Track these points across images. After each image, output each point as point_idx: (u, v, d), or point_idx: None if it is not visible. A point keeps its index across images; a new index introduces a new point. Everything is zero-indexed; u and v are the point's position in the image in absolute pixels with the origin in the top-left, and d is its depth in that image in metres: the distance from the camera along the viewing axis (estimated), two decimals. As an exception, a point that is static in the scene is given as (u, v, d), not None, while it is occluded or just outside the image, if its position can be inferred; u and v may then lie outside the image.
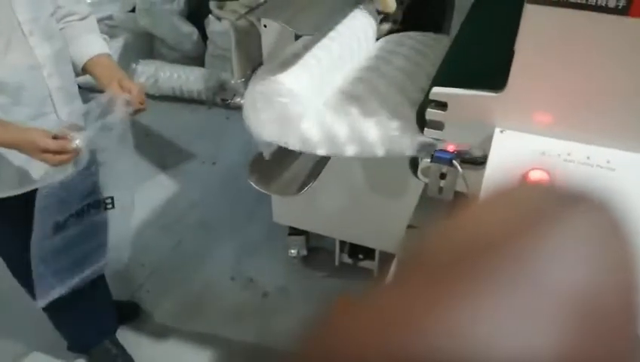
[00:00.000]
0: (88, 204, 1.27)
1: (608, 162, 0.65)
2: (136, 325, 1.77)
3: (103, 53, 1.24)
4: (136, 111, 1.15)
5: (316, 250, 1.95)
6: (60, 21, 1.20)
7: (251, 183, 1.01)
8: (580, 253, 0.17)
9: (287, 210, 1.75)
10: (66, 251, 1.29)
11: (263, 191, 0.97)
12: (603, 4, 0.59)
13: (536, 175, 0.64)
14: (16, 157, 1.11)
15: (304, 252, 1.89)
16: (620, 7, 0.59)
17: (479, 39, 0.89)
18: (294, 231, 1.85)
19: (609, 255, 0.17)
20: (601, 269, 0.17)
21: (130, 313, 1.80)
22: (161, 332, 1.77)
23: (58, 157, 1.02)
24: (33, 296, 1.38)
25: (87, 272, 1.38)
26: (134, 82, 1.19)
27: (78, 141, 1.04)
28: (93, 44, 1.25)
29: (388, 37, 1.18)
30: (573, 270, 0.16)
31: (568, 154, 0.67)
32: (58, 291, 1.34)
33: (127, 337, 1.71)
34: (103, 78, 1.20)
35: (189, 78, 2.89)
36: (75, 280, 1.36)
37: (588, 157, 0.66)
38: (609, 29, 0.60)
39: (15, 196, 1.16)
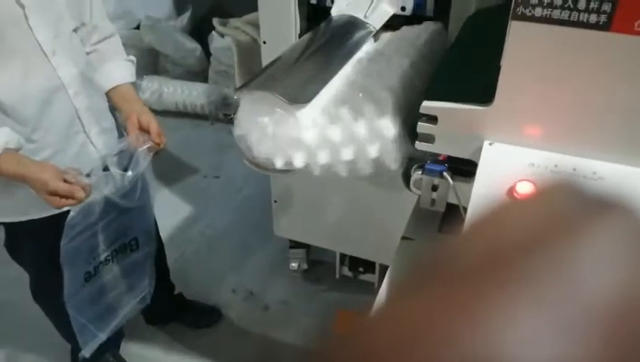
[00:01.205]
0: (115, 250, 1.29)
1: (594, 173, 0.67)
2: (137, 337, 1.77)
3: (123, 83, 1.24)
4: (157, 153, 1.17)
5: (317, 263, 1.96)
6: (86, 43, 1.19)
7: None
8: (616, 259, 0.16)
9: (288, 223, 1.77)
10: (100, 297, 1.32)
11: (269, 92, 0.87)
12: (585, 20, 0.61)
13: (523, 186, 0.65)
14: None
15: (305, 265, 1.90)
16: (601, 23, 0.60)
17: (469, 55, 0.91)
18: (295, 245, 1.86)
19: None
20: (638, 277, 0.16)
21: (211, 317, 1.83)
22: (161, 345, 1.78)
23: (63, 202, 1.02)
24: (74, 342, 1.44)
25: (127, 309, 1.40)
26: (152, 117, 1.19)
27: (86, 190, 1.04)
28: (115, 73, 1.24)
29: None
30: (610, 277, 0.16)
31: (555, 166, 0.68)
32: (101, 337, 1.37)
33: (128, 349, 1.72)
34: (122, 110, 1.21)
35: (192, 93, 2.93)
36: (116, 321, 1.39)
37: (574, 169, 0.68)
38: (591, 45, 0.62)
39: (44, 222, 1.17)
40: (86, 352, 1.37)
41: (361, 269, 1.84)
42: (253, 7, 1.42)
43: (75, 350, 1.64)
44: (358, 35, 1.11)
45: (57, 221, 1.14)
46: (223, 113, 2.87)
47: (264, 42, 1.41)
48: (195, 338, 1.78)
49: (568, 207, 0.18)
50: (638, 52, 0.61)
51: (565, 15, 0.61)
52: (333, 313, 1.77)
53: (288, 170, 0.86)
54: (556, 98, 0.67)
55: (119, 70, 1.25)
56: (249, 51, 2.30)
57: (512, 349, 0.15)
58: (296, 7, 1.33)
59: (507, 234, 0.18)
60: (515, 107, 0.69)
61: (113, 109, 1.28)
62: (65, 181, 1.01)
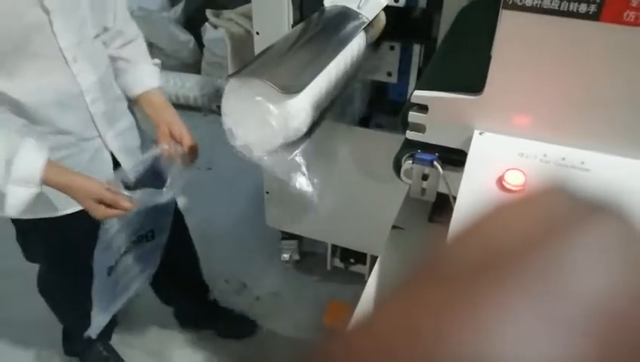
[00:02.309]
0: (133, 241, 1.31)
1: (583, 163, 0.67)
2: (128, 326, 1.78)
3: (151, 88, 1.22)
4: (190, 163, 1.18)
5: (309, 254, 1.97)
6: (109, 46, 1.18)
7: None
8: (608, 261, 0.17)
9: (280, 214, 1.77)
10: (116, 286, 1.35)
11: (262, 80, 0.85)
12: (575, 10, 0.61)
13: (512, 175, 0.66)
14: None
15: (297, 256, 1.91)
16: (591, 13, 0.61)
17: (461, 46, 0.92)
18: (287, 236, 1.87)
19: (636, 264, 0.17)
20: (630, 278, 0.16)
21: (246, 329, 1.79)
22: (154, 335, 1.78)
23: (108, 212, 1.01)
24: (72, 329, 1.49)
25: (132, 292, 1.43)
26: (184, 127, 1.18)
27: (131, 200, 1.03)
28: (142, 80, 1.22)
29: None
30: (601, 278, 0.16)
31: (544, 156, 0.69)
32: (107, 318, 1.41)
33: (117, 337, 1.72)
34: (151, 118, 1.19)
35: (185, 85, 2.92)
36: (122, 302, 1.42)
37: (563, 159, 0.68)
38: (581, 34, 0.62)
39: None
40: (93, 333, 1.38)
41: (352, 260, 1.84)
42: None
43: (68, 335, 1.65)
44: (351, 25, 1.11)
45: (64, 222, 1.16)
46: (216, 105, 2.87)
47: (257, 33, 1.41)
48: (184, 328, 1.78)
49: (560, 209, 0.18)
50: (626, 42, 0.61)
51: (555, 4, 0.62)
52: (325, 304, 1.78)
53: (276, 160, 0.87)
54: (546, 88, 0.67)
55: (146, 76, 1.23)
56: (242, 43, 2.29)
57: (506, 349, 0.15)
58: (289, -2, 1.33)
59: (501, 236, 0.18)
60: (505, 97, 0.69)
61: (133, 106, 1.28)
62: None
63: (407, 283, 0.19)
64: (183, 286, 1.68)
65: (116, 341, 1.72)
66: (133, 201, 1.04)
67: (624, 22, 0.60)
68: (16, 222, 1.22)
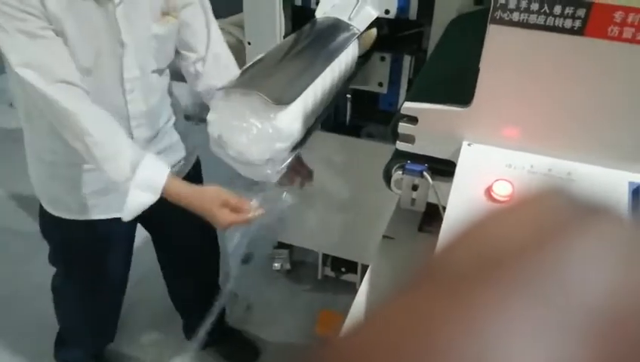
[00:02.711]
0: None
1: (569, 174, 0.69)
2: (127, 336, 1.77)
3: None
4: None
5: (300, 263, 1.97)
6: (205, 75, 1.19)
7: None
8: (607, 262, 0.16)
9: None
10: None
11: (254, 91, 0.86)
12: (560, 25, 0.63)
13: (500, 186, 0.67)
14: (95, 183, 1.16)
15: (288, 265, 1.91)
16: (575, 28, 0.62)
17: (451, 58, 0.93)
18: (278, 245, 1.87)
19: (635, 265, 0.17)
20: (629, 280, 0.16)
21: (249, 354, 1.76)
22: (144, 345, 1.77)
23: (236, 218, 1.00)
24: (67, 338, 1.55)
25: None
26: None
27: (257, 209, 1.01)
28: None
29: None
30: (601, 281, 0.16)
31: (531, 166, 0.70)
32: None
33: (115, 346, 1.71)
34: None
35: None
36: None
37: (550, 170, 0.70)
38: (567, 49, 0.64)
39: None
40: None
41: (343, 269, 1.85)
42: (239, 8, 1.43)
43: (62, 341, 1.65)
44: (342, 36, 1.13)
45: (94, 227, 1.21)
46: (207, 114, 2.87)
47: (249, 43, 1.42)
48: (177, 338, 1.77)
49: (557, 212, 0.18)
50: (610, 56, 0.63)
51: (541, 20, 0.63)
52: (316, 313, 1.78)
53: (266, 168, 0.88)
54: (533, 100, 0.69)
55: None
56: (234, 52, 2.30)
57: (504, 354, 0.15)
58: (281, 9, 1.35)
59: (498, 240, 0.18)
60: (493, 109, 0.71)
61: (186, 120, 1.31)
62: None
63: (403, 290, 0.19)
64: (204, 299, 1.68)
65: (114, 348, 1.70)
66: (258, 208, 1.02)
67: (608, 37, 0.62)
68: (53, 223, 1.24)
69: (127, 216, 0.98)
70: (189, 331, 1.76)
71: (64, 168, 1.15)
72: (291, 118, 0.90)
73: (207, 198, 0.99)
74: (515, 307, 0.16)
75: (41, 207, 1.26)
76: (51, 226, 1.28)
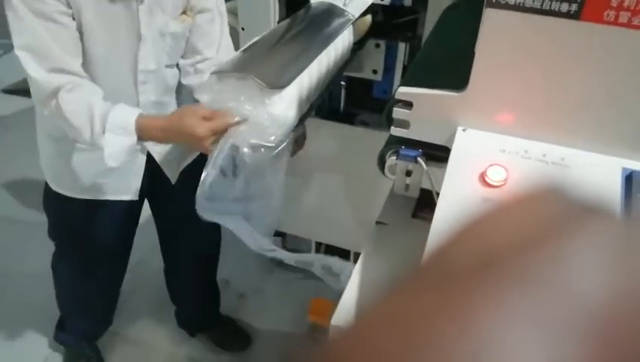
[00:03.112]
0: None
1: (563, 159, 0.69)
2: (123, 319, 1.76)
3: None
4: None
5: (293, 251, 1.96)
6: (195, 64, 1.19)
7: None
8: (605, 262, 0.16)
9: (264, 211, 1.77)
10: None
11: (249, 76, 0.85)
12: (556, 9, 0.62)
13: (494, 171, 0.67)
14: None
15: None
16: (572, 12, 0.62)
17: (446, 44, 0.92)
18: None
19: (634, 264, 0.17)
20: (628, 279, 0.16)
21: (241, 342, 1.76)
22: (137, 334, 1.77)
23: (218, 123, 0.91)
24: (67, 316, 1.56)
25: None
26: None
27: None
28: None
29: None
30: (600, 280, 0.16)
31: (526, 152, 0.70)
32: None
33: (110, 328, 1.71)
34: None
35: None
36: None
37: (544, 155, 0.69)
38: (563, 33, 0.63)
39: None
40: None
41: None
42: (233, -5, 1.42)
43: (62, 323, 1.66)
44: (337, 22, 1.12)
45: (97, 207, 1.22)
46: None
47: (242, 29, 1.41)
48: (170, 326, 1.77)
49: (555, 210, 0.18)
50: (606, 41, 0.62)
51: (538, 3, 0.63)
52: (309, 301, 1.78)
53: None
54: (527, 85, 0.68)
55: None
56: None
57: (503, 351, 0.15)
58: (276, -6, 1.33)
59: (497, 238, 0.18)
60: (488, 94, 0.70)
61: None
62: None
63: (397, 287, 0.19)
64: (198, 286, 1.68)
65: (109, 331, 1.71)
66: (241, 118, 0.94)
67: (604, 21, 0.61)
68: (55, 199, 1.25)
69: (109, 162, 0.98)
70: (182, 317, 1.76)
71: (70, 146, 1.15)
72: (286, 105, 0.89)
73: (185, 114, 0.95)
74: (512, 307, 0.15)
75: (46, 184, 1.27)
76: (52, 202, 1.29)
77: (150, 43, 1.06)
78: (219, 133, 0.90)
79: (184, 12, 1.11)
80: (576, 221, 0.18)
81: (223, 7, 1.19)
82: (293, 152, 1.20)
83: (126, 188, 1.23)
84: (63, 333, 1.66)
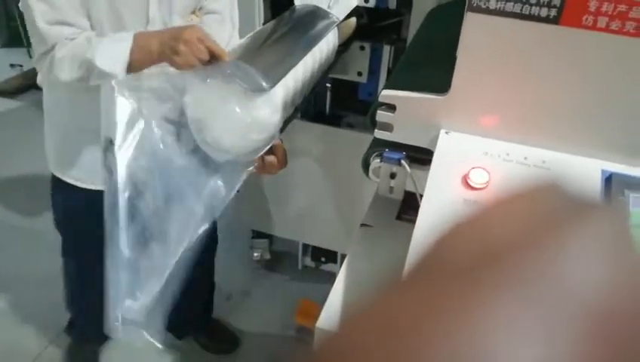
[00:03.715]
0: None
1: (544, 162, 0.69)
2: None
3: None
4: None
5: (280, 253, 1.97)
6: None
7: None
8: (605, 258, 0.16)
9: (250, 213, 1.77)
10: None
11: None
12: (536, 14, 0.63)
13: (476, 174, 0.67)
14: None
15: (267, 255, 1.91)
16: (551, 17, 0.63)
17: (429, 47, 0.93)
18: (258, 235, 1.86)
19: (633, 263, 0.17)
20: (628, 276, 0.16)
21: (229, 345, 1.75)
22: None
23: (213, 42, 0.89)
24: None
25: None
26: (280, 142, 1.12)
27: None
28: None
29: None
30: (600, 277, 0.16)
31: (507, 155, 0.71)
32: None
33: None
34: None
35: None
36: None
37: (525, 158, 0.70)
38: (542, 37, 0.64)
39: None
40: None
41: (323, 259, 1.85)
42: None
43: (72, 323, 1.64)
44: (321, 24, 1.12)
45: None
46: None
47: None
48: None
49: (554, 207, 0.18)
50: (585, 45, 0.63)
51: (518, 8, 0.63)
52: (296, 303, 1.78)
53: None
54: (509, 89, 0.69)
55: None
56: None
57: (499, 347, 0.15)
58: (260, -4, 1.33)
59: (494, 234, 0.18)
60: (470, 97, 0.71)
61: None
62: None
63: (392, 285, 0.19)
64: (191, 292, 1.66)
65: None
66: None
67: (583, 25, 0.62)
68: (62, 188, 1.24)
69: (99, 60, 0.93)
70: (172, 322, 1.74)
71: (76, 131, 1.14)
72: (271, 110, 0.89)
73: (184, 26, 0.95)
74: (509, 304, 0.15)
75: (52, 175, 1.26)
76: (58, 191, 1.28)
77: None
78: (202, 51, 0.87)
79: (193, 12, 1.10)
80: (575, 217, 0.18)
81: (236, 18, 1.18)
82: (276, 170, 1.10)
83: None
84: (73, 331, 1.65)
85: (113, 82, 0.83)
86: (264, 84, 0.85)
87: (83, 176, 1.20)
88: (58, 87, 1.09)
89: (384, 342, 0.16)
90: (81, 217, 1.30)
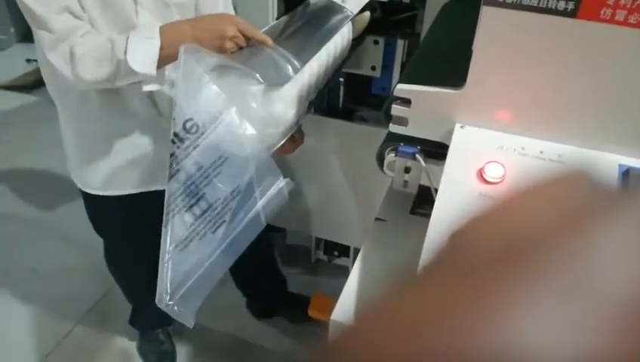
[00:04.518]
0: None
1: (559, 156, 0.69)
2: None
3: None
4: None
5: (293, 247, 1.98)
6: None
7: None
8: (633, 252, 0.16)
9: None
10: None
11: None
12: (553, 7, 0.63)
13: (491, 168, 0.67)
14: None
15: (280, 249, 1.91)
16: (569, 10, 0.62)
17: (444, 41, 0.93)
18: (271, 229, 1.87)
19: None
20: None
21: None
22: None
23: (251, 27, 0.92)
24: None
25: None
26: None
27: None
28: None
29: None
30: (627, 270, 0.15)
31: (523, 149, 0.70)
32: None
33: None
34: None
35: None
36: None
37: (541, 152, 0.70)
38: (560, 30, 0.64)
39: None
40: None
41: (336, 253, 1.86)
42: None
43: (136, 311, 1.68)
44: (335, 19, 1.12)
45: (132, 199, 1.20)
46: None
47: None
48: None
49: (583, 197, 0.18)
50: (603, 39, 0.63)
51: (535, 1, 0.63)
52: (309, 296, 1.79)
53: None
54: (525, 83, 0.69)
55: None
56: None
57: (526, 339, 0.14)
58: (274, -10, 1.33)
59: (521, 224, 0.18)
60: (486, 91, 0.71)
61: None
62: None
63: (417, 276, 0.18)
64: (263, 273, 1.69)
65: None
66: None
67: (601, 19, 0.62)
68: (86, 197, 1.26)
69: (134, 64, 0.91)
70: (255, 307, 1.81)
71: (91, 137, 1.15)
72: (287, 105, 0.89)
73: (222, 19, 0.94)
74: (535, 296, 0.15)
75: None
76: (84, 199, 1.29)
77: (151, 12, 1.01)
78: (243, 39, 0.89)
79: None
80: (605, 208, 0.17)
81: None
82: (293, 148, 1.19)
83: (155, 176, 1.19)
84: (136, 320, 1.69)
85: (198, 68, 0.80)
86: (298, 65, 0.86)
87: (101, 183, 1.20)
88: (70, 90, 1.07)
89: (408, 332, 0.16)
90: (109, 222, 1.32)
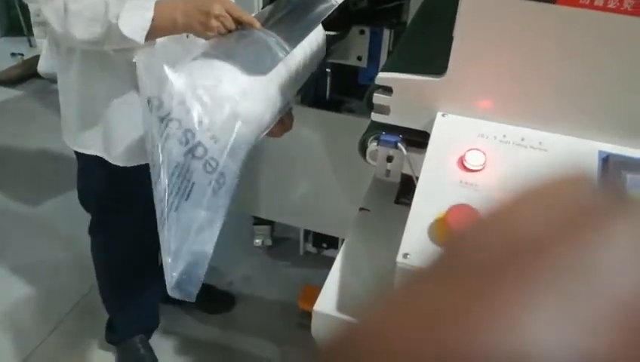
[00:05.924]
0: None
1: (540, 143, 0.69)
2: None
3: None
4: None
5: (281, 239, 1.98)
6: None
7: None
8: (636, 254, 0.16)
9: (251, 199, 1.77)
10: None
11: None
12: (533, -7, 0.62)
13: (472, 156, 0.67)
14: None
15: (269, 242, 1.91)
16: (548, -4, 0.62)
17: (428, 29, 0.92)
18: (259, 221, 1.87)
19: None
20: None
21: (225, 304, 1.81)
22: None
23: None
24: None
25: None
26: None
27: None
28: None
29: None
30: (632, 272, 0.16)
31: (504, 136, 0.70)
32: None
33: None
34: None
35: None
36: None
37: (522, 139, 0.70)
38: (539, 16, 0.63)
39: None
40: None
41: (324, 245, 1.86)
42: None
43: (111, 322, 1.62)
44: (319, 9, 1.11)
45: (132, 172, 1.18)
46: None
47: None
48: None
49: (585, 199, 0.18)
50: (582, 25, 0.63)
51: (514, -13, 0.63)
52: (298, 289, 1.79)
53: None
54: (505, 70, 0.69)
55: None
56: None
57: (531, 340, 0.14)
58: (258, -20, 1.32)
59: (522, 226, 0.17)
60: (467, 78, 0.70)
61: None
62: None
63: (419, 277, 0.18)
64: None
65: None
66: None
67: (580, 4, 0.62)
68: (81, 159, 1.24)
69: (124, 28, 0.92)
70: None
71: (94, 103, 1.14)
72: (258, 101, 0.89)
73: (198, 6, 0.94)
74: (541, 297, 0.15)
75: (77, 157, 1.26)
76: (79, 163, 1.28)
77: None
78: (230, 19, 0.90)
79: None
80: (609, 210, 0.17)
81: None
82: (281, 132, 1.17)
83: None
84: (113, 333, 1.61)
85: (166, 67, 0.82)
86: (287, 48, 0.88)
87: (102, 148, 1.18)
88: (68, 51, 1.07)
89: (414, 331, 0.16)
90: (103, 191, 1.28)
